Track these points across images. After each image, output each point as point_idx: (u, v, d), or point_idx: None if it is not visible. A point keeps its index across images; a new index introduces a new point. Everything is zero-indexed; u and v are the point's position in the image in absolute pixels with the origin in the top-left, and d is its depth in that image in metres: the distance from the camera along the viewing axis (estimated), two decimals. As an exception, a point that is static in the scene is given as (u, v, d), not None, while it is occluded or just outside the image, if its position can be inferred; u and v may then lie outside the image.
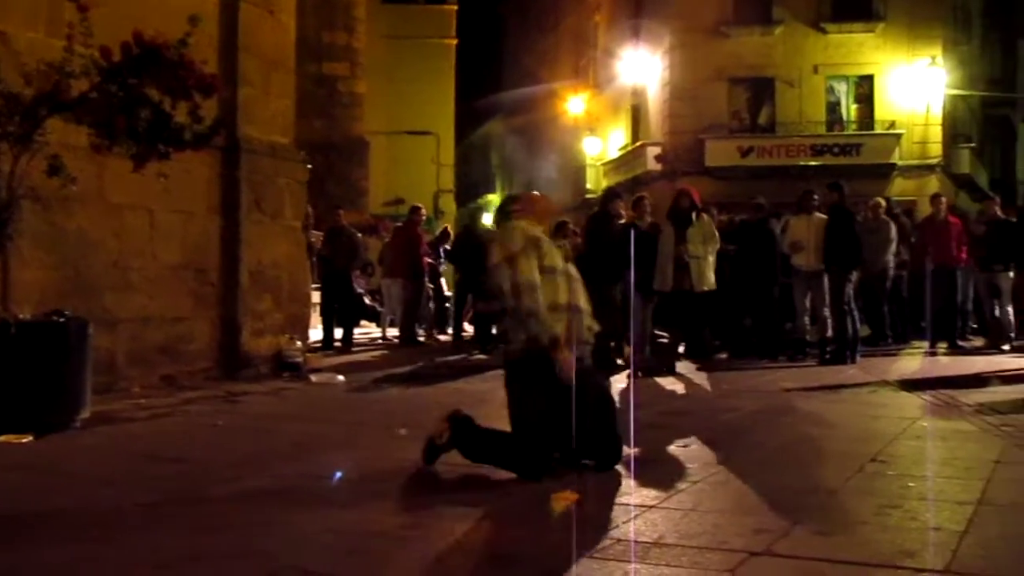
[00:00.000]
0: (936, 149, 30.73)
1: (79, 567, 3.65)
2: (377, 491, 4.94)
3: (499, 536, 4.01)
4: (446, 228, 20.91)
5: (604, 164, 37.55)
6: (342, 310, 15.76)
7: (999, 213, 14.72)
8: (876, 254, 13.87)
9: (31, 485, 5.22)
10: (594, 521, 4.25)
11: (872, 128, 30.84)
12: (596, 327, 5.70)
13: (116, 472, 5.54)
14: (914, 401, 8.59)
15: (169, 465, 5.74)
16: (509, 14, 55.44)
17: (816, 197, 12.93)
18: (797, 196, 13.47)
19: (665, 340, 14.87)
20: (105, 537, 4.08)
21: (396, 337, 17.08)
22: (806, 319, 13.18)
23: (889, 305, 15.11)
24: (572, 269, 5.74)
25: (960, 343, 14.62)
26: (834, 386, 9.94)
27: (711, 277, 11.87)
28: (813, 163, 28.95)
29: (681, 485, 5.00)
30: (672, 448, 6.20)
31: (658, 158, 31.94)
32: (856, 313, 12.68)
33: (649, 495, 4.76)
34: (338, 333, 15.51)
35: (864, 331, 13.80)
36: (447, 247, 18.43)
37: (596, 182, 37.35)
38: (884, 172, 29.51)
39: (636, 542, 3.90)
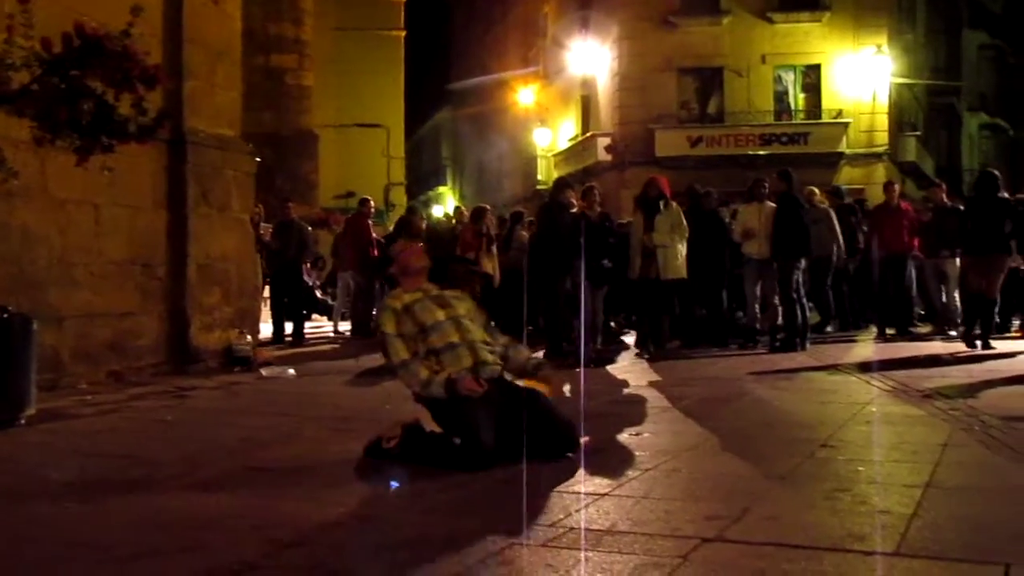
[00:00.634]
0: (883, 137, 31.04)
1: (25, 564, 3.59)
2: (326, 483, 4.90)
3: (449, 525, 3.99)
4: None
5: (555, 155, 37.58)
6: (292, 304, 15.67)
7: (945, 200, 14.86)
8: (819, 242, 13.95)
9: (-26, 483, 5.13)
10: (546, 510, 4.24)
11: (820, 117, 31.10)
12: (493, 356, 5.73)
13: (62, 469, 5.45)
14: (863, 387, 8.66)
15: (116, 461, 5.67)
16: (457, 5, 55.35)
17: (767, 185, 13.01)
18: (748, 185, 13.55)
19: (619, 329, 14.98)
20: (49, 535, 4.02)
21: (349, 330, 17.02)
22: (756, 307, 13.26)
23: (837, 292, 15.24)
24: (463, 307, 5.83)
25: (909, 329, 14.78)
26: (784, 373, 10.02)
27: (678, 265, 11.98)
28: (762, 152, 29.15)
29: (632, 473, 5.00)
30: (623, 437, 6.20)
31: (608, 148, 32.01)
32: (805, 301, 12.77)
33: (601, 483, 4.76)
34: (289, 327, 15.42)
35: (813, 318, 13.91)
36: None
37: (547, 173, 37.36)
38: (832, 161, 29.77)
39: (588, 530, 3.89)
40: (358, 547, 3.73)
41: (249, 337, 11.23)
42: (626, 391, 8.95)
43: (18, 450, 6.12)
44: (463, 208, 18.36)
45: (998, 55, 52.15)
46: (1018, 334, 13.80)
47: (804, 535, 3.76)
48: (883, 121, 31.11)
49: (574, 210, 12.18)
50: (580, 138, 35.36)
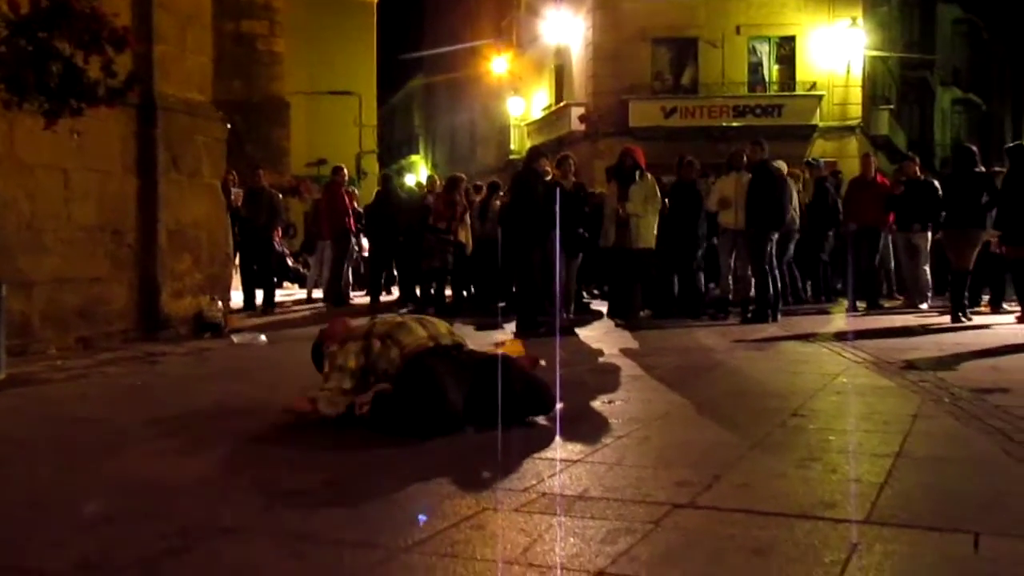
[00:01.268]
0: (856, 111, 31.13)
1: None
2: (298, 450, 4.88)
3: (420, 490, 3.98)
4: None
5: (528, 124, 37.51)
6: (262, 271, 15.60)
7: (918, 173, 14.92)
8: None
9: (-58, 448, 5.09)
10: (518, 475, 4.25)
11: (793, 89, 31.14)
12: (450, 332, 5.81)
13: (32, 433, 5.43)
14: (834, 358, 8.70)
15: (87, 426, 5.64)
16: (430, -28, 55.01)
17: (745, 156, 13.01)
18: (725, 156, 13.56)
19: (593, 299, 15.00)
20: (19, 498, 3.99)
21: (321, 299, 16.99)
22: (729, 278, 13.30)
23: (814, 264, 15.33)
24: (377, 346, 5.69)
25: (879, 302, 14.87)
26: (756, 343, 10.05)
27: (649, 235, 12.02)
28: (735, 124, 29.18)
29: (605, 440, 5.01)
30: (596, 404, 6.21)
31: (582, 119, 31.97)
32: (777, 272, 12.81)
33: (573, 450, 4.76)
34: (259, 295, 15.36)
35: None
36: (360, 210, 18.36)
37: (520, 142, 37.29)
38: (805, 133, 29.84)
39: (561, 495, 3.90)
40: (329, 512, 3.71)
41: (220, 304, 11.17)
42: (599, 360, 8.95)
43: (-14, 415, 6.08)
44: (436, 177, 18.30)
45: (971, 30, 52.43)
46: (987, 309, 13.90)
47: (775, 502, 3.78)
48: (857, 94, 31.18)
49: (548, 179, 12.16)
50: (554, 108, 35.30)
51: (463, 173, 17.85)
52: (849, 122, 30.94)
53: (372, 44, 46.23)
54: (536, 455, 4.66)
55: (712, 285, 13.93)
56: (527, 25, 37.13)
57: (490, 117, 42.33)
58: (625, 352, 9.40)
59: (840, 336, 10.59)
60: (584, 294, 15.78)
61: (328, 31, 41.32)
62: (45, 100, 6.85)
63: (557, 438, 5.06)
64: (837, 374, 7.58)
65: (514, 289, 13.80)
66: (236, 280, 15.20)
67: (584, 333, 11.23)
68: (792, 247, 14.61)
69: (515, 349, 6.10)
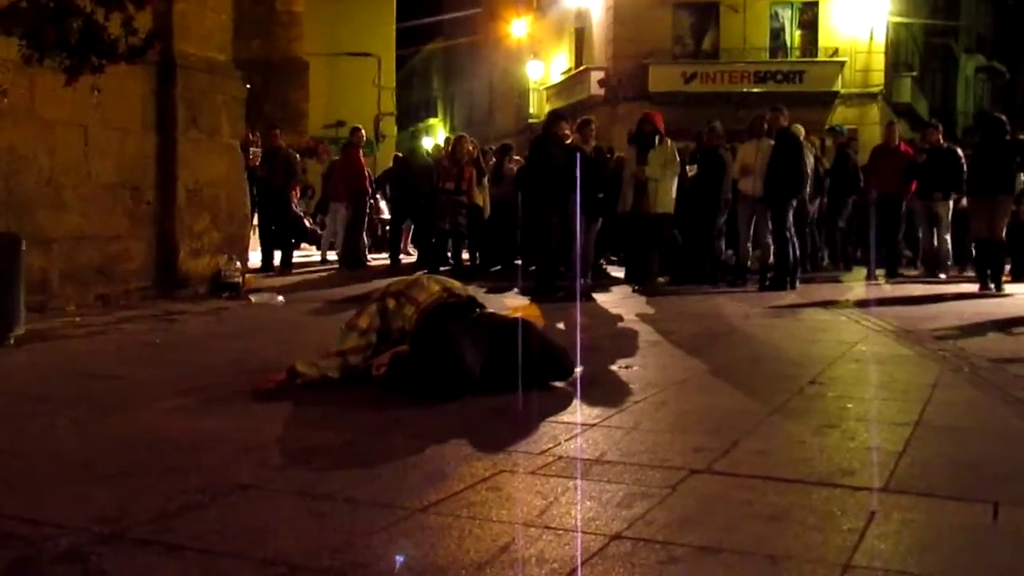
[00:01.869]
0: (878, 77, 30.89)
1: (13, 480, 3.58)
2: (314, 409, 4.89)
3: (436, 452, 3.98)
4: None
5: (547, 88, 37.36)
6: (279, 232, 15.60)
7: (941, 141, 14.81)
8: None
9: (-39, 402, 5.11)
10: (535, 438, 4.24)
11: (815, 55, 30.92)
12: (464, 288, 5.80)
13: (51, 388, 5.45)
14: (853, 326, 8.68)
15: (105, 382, 5.66)
16: (451, -67, 54.64)
17: (767, 123, 12.93)
18: (747, 122, 13.48)
19: (611, 265, 14.98)
20: (36, 450, 4.01)
21: (337, 260, 17.01)
22: (748, 245, 13.26)
23: (831, 232, 15.27)
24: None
25: (898, 271, 14.82)
26: (774, 310, 10.03)
27: (667, 200, 11.99)
28: (756, 90, 29.01)
29: (622, 405, 5.00)
30: (613, 369, 6.20)
31: (601, 83, 31.81)
32: (796, 240, 12.76)
33: (590, 414, 4.76)
34: (277, 256, 15.38)
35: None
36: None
37: (539, 107, 37.17)
38: (827, 100, 29.66)
39: (578, 459, 3.89)
40: (345, 472, 3.72)
41: (238, 264, 11.18)
42: (617, 325, 8.94)
43: (6, 369, 6.11)
44: (451, 139, 18.32)
45: (996, -4, 51.81)
46: (1008, 278, 13.84)
47: (792, 469, 3.77)
48: (879, 61, 30.94)
49: (568, 143, 12.12)
50: (573, 72, 35.14)
51: (480, 137, 17.84)
52: (871, 89, 30.71)
53: (391, 6, 46.08)
54: (553, 419, 4.66)
55: (730, 252, 13.88)
56: (548, -12, 36.91)
57: (509, 81, 42.17)
58: (642, 317, 9.38)
59: (859, 304, 10.57)
60: (602, 261, 15.76)
61: (347, -8, 41.17)
62: (66, 56, 6.84)
63: (574, 402, 5.06)
64: (856, 342, 7.55)
65: (526, 253, 13.82)
66: (254, 240, 15.22)
67: (602, 298, 11.22)
68: (815, 211, 14.56)
69: (532, 313, 6.09)
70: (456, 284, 5.81)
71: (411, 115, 58.07)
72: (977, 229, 12.60)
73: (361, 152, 17.08)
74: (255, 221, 15.57)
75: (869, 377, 6.06)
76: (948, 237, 14.81)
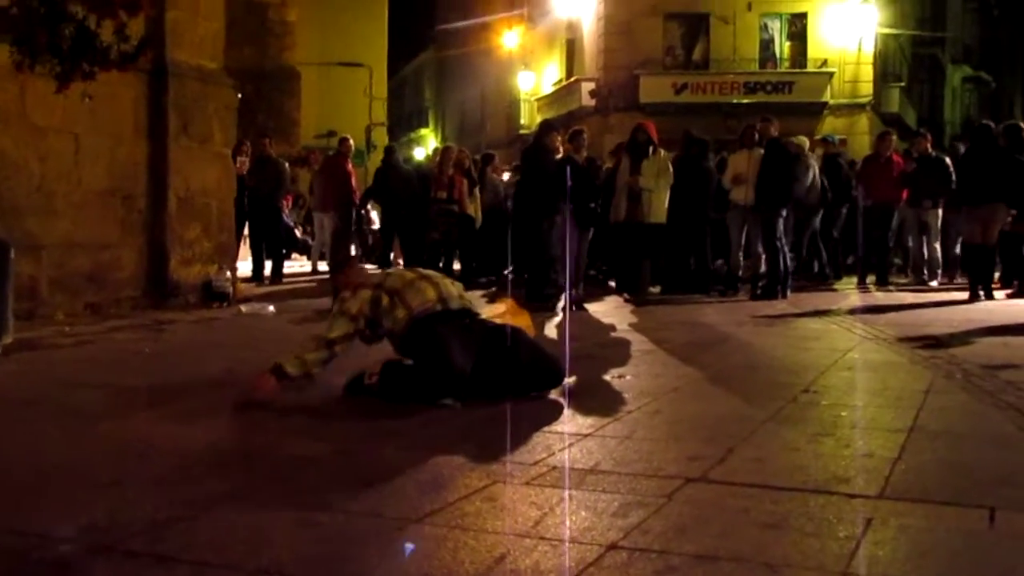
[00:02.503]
0: (867, 88, 30.99)
1: (1, 490, 3.54)
2: (308, 418, 4.87)
3: (429, 462, 3.96)
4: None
5: (538, 99, 37.38)
6: (270, 241, 15.55)
7: (930, 150, 14.86)
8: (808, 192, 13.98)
9: (-50, 410, 5.07)
10: (528, 448, 4.22)
11: (805, 66, 31.00)
12: (459, 293, 5.71)
13: (39, 397, 5.41)
14: (845, 334, 8.67)
15: (96, 391, 5.62)
16: (443, -56, 54.67)
17: (758, 132, 12.94)
18: (738, 132, 13.50)
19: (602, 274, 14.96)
20: (27, 459, 3.97)
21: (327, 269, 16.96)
22: (740, 254, 13.26)
23: (826, 241, 15.29)
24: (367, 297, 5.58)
25: (888, 279, 14.84)
26: (766, 319, 10.01)
27: (661, 210, 12.00)
28: (746, 100, 29.05)
29: (616, 414, 4.98)
30: (606, 378, 6.18)
31: (592, 94, 31.83)
32: (787, 249, 12.76)
33: (584, 424, 4.74)
34: (268, 266, 15.33)
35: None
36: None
37: (530, 117, 37.19)
38: (816, 110, 29.73)
39: (572, 469, 3.87)
40: (338, 482, 3.69)
41: (229, 273, 11.15)
42: (609, 334, 8.92)
43: (-5, 378, 6.07)
44: (439, 150, 18.32)
45: (982, 7, 52.07)
46: (996, 285, 13.84)
47: (788, 477, 3.75)
48: (868, 71, 31.05)
49: (560, 154, 12.11)
50: (564, 82, 35.16)
51: (472, 147, 17.84)
52: (860, 99, 30.81)
53: (384, 16, 46.14)
54: (546, 428, 4.64)
55: (720, 261, 13.89)
56: (539, -2, 36.95)
57: (500, 91, 42.18)
58: (635, 327, 9.37)
59: (851, 312, 10.57)
60: (592, 271, 15.75)
61: (340, 2, 41.18)
62: (57, 63, 6.82)
63: (568, 411, 5.03)
64: (848, 350, 7.54)
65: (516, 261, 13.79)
66: (244, 250, 15.18)
67: (594, 308, 11.20)
68: (818, 221, 14.58)
69: (523, 321, 6.06)
70: (454, 290, 5.72)
71: (403, 125, 58.10)
72: (970, 236, 12.61)
73: (349, 162, 17.04)
74: (245, 231, 15.52)
75: (862, 384, 6.05)
76: (938, 245, 14.88)
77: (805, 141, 13.84)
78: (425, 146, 50.69)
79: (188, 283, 10.58)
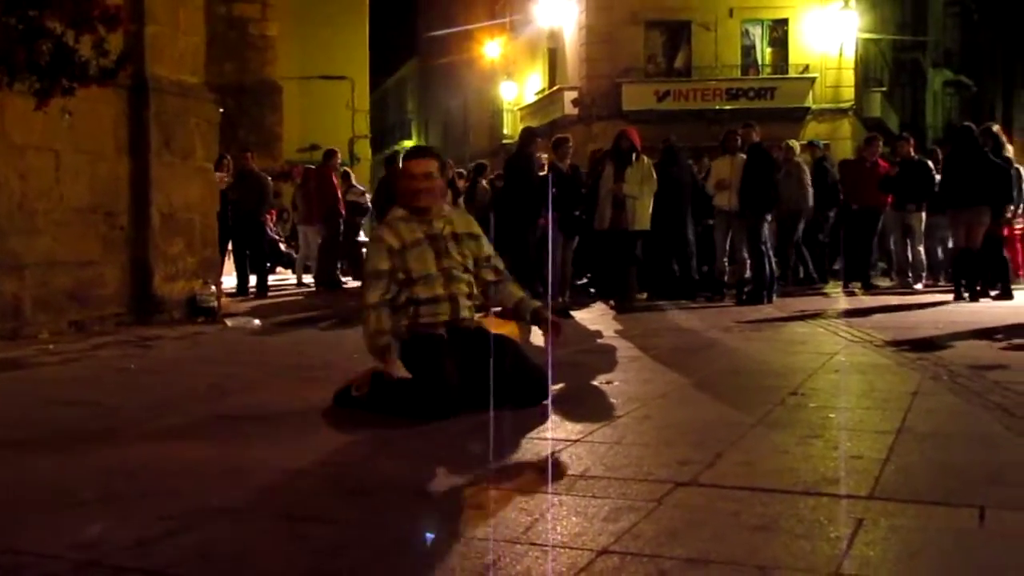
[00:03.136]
0: (848, 93, 31.11)
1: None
2: (295, 431, 4.85)
3: (417, 471, 3.94)
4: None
5: (521, 109, 37.43)
6: (254, 255, 15.50)
7: (912, 154, 14.92)
8: (792, 197, 14.02)
9: (-66, 431, 5.03)
10: (518, 455, 4.21)
11: (786, 72, 31.11)
12: (471, 311, 5.67)
13: (24, 416, 5.37)
14: (831, 338, 8.68)
15: (81, 409, 5.58)
16: (423, -45, 54.73)
17: (740, 137, 12.97)
18: (719, 138, 13.53)
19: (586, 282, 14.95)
20: (12, 478, 3.94)
21: (313, 283, 16.94)
22: (725, 260, 13.29)
23: (812, 246, 15.33)
24: (460, 253, 5.60)
25: (872, 282, 14.90)
26: (752, 324, 10.02)
27: (645, 217, 11.99)
28: (728, 107, 29.15)
29: (605, 419, 4.97)
30: (594, 384, 6.18)
31: (575, 102, 31.88)
32: (772, 254, 12.79)
33: (572, 430, 4.72)
34: (253, 280, 15.29)
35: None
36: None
37: (513, 127, 37.20)
38: (798, 116, 29.83)
39: (562, 475, 3.85)
40: (327, 494, 3.67)
41: (213, 288, 11.11)
42: (596, 341, 8.92)
43: (-21, 398, 6.02)
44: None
45: (963, 11, 52.37)
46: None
47: (778, 479, 3.74)
48: (849, 76, 31.17)
49: (543, 162, 12.11)
50: (547, 92, 35.21)
51: (455, 158, 17.84)
52: (842, 104, 30.93)
53: (365, 28, 46.11)
54: (535, 435, 4.63)
55: (705, 268, 13.91)
56: (520, 8, 36.95)
57: (483, 102, 42.22)
58: (621, 333, 9.37)
59: (836, 315, 10.58)
60: (581, 279, 15.76)
61: (321, 15, 41.22)
62: (36, 79, 6.79)
63: (556, 417, 5.01)
64: (835, 353, 7.55)
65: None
66: (228, 265, 15.14)
67: (579, 315, 11.19)
68: (801, 228, 14.63)
69: (510, 330, 6.03)
70: (464, 315, 5.56)
71: (386, 137, 58.04)
72: (955, 238, 12.66)
73: (335, 175, 17.01)
74: (229, 246, 15.49)
75: (850, 387, 6.05)
76: (922, 248, 14.95)
77: (796, 145, 13.86)
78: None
79: (173, 299, 10.54)
